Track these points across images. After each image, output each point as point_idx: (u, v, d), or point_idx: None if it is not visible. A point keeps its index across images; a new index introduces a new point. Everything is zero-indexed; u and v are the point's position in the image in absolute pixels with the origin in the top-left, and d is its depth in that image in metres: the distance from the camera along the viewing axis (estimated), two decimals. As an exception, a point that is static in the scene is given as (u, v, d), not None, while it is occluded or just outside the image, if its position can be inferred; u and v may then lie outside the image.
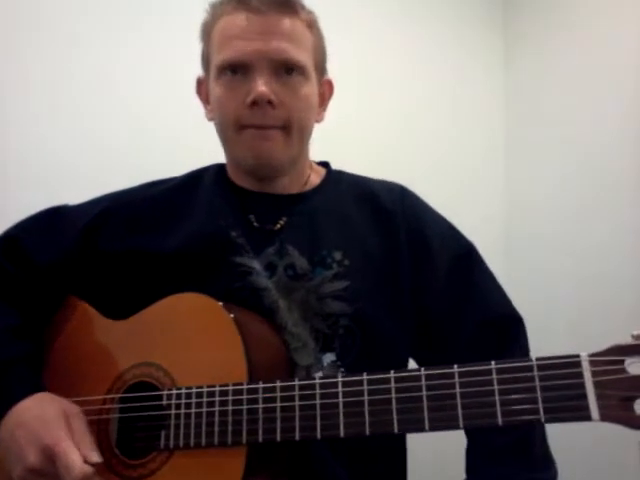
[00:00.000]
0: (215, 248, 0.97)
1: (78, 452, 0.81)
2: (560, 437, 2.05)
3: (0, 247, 1.02)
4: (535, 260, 2.28)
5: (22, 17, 1.80)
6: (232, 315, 0.86)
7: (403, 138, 2.27)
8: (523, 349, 0.98)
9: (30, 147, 1.77)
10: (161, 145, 1.89)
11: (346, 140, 1.96)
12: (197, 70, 1.05)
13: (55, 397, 0.90)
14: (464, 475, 0.94)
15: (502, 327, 0.98)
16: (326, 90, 1.06)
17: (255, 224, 0.99)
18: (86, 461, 0.81)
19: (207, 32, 1.00)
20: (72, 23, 1.83)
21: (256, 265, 0.95)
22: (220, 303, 0.88)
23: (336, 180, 1.08)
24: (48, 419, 0.85)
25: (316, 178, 1.07)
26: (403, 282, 0.97)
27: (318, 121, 1.04)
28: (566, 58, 2.22)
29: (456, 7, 2.42)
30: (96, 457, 0.83)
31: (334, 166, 1.12)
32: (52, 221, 1.05)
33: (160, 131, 1.90)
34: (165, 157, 1.77)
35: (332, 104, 1.09)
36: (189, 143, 1.76)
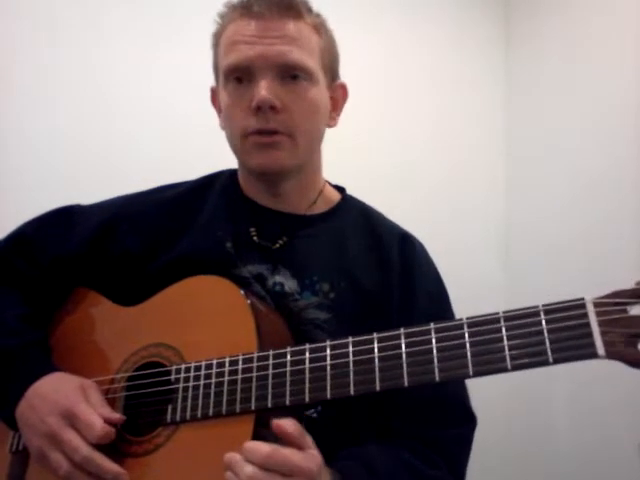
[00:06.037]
0: (214, 260, 0.98)
1: (96, 413, 0.83)
2: (561, 437, 2.01)
3: (12, 244, 1.06)
4: (536, 271, 2.25)
5: (39, 16, 1.89)
6: (249, 301, 0.87)
7: (400, 141, 2.26)
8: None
9: (31, 147, 1.83)
10: (164, 146, 1.95)
11: (342, 141, 1.90)
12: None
13: (71, 375, 0.92)
14: None
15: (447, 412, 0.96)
16: (339, 94, 1.05)
17: (255, 238, 1.01)
18: (106, 422, 0.83)
19: (216, 41, 1.01)
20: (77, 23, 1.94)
21: (248, 274, 0.97)
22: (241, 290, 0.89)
23: (347, 209, 1.08)
24: (65, 389, 0.87)
25: (327, 202, 1.07)
26: (391, 322, 0.96)
27: (331, 126, 1.04)
28: (567, 60, 2.22)
29: (457, 7, 2.46)
30: (116, 415, 0.85)
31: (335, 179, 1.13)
32: (62, 221, 1.07)
33: (166, 132, 1.96)
34: (168, 160, 1.84)
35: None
36: (201, 147, 1.78)
